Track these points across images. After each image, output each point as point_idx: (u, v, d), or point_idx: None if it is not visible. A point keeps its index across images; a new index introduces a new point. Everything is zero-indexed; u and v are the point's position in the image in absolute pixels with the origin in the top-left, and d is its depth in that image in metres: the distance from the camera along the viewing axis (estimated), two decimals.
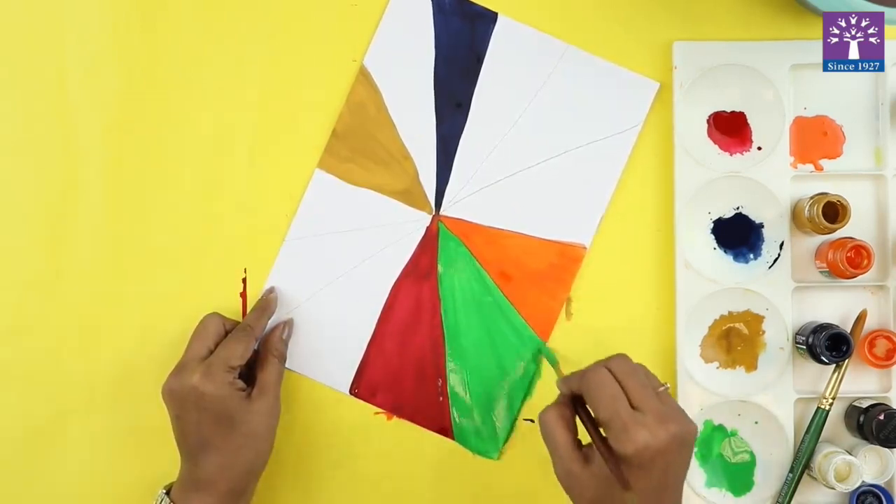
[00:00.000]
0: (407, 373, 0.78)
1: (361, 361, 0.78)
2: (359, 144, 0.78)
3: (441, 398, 0.78)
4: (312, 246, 0.78)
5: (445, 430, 0.78)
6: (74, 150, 0.78)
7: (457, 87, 0.78)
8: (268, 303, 0.77)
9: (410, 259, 0.78)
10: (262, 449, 0.72)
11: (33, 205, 0.78)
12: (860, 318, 0.77)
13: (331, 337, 0.78)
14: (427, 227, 0.78)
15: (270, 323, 0.77)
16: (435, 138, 0.78)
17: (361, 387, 0.78)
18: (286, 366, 0.77)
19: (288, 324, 0.77)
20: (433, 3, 0.77)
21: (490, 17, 0.78)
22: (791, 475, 0.77)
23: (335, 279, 0.78)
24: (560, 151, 0.78)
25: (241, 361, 0.73)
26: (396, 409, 0.78)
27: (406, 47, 0.78)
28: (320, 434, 0.78)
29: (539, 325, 0.78)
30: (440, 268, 0.78)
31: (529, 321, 0.78)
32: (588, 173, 0.78)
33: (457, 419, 0.78)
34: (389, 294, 0.78)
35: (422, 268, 0.78)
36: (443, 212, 0.78)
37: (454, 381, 0.78)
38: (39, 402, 0.78)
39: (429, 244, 0.78)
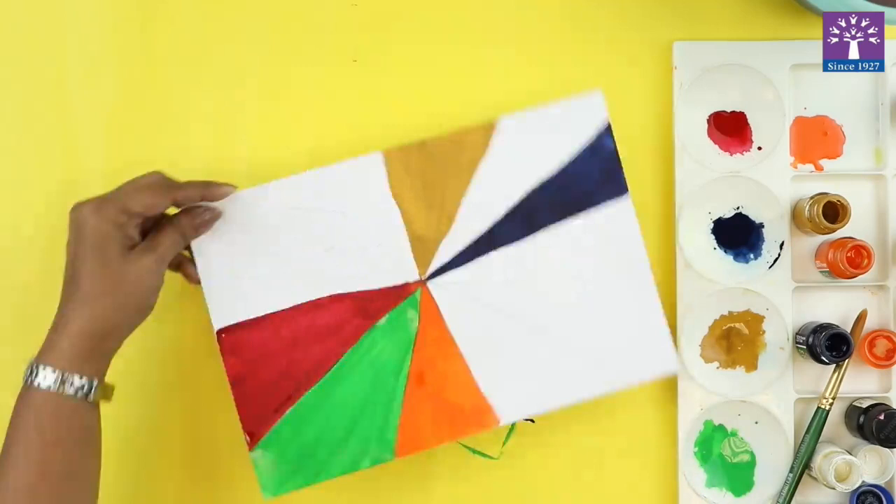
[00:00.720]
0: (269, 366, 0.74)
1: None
2: (431, 173, 0.74)
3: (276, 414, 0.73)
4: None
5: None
6: (74, 150, 0.78)
7: (542, 211, 0.74)
8: (209, 185, 0.71)
9: (373, 291, 0.74)
10: (127, 305, 0.67)
11: (33, 205, 0.78)
12: (860, 318, 0.77)
13: None
14: (407, 282, 0.74)
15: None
16: (485, 228, 0.74)
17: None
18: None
19: (212, 213, 0.72)
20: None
21: None
22: (791, 475, 0.77)
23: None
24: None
25: (140, 210, 0.67)
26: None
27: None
28: None
29: (406, 441, 0.73)
30: (382, 320, 0.74)
31: (401, 431, 0.73)
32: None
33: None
34: (328, 297, 0.74)
35: (372, 307, 0.74)
36: (430, 282, 0.74)
37: (299, 412, 0.73)
38: None
39: (396, 294, 0.74)
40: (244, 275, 0.73)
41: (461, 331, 0.74)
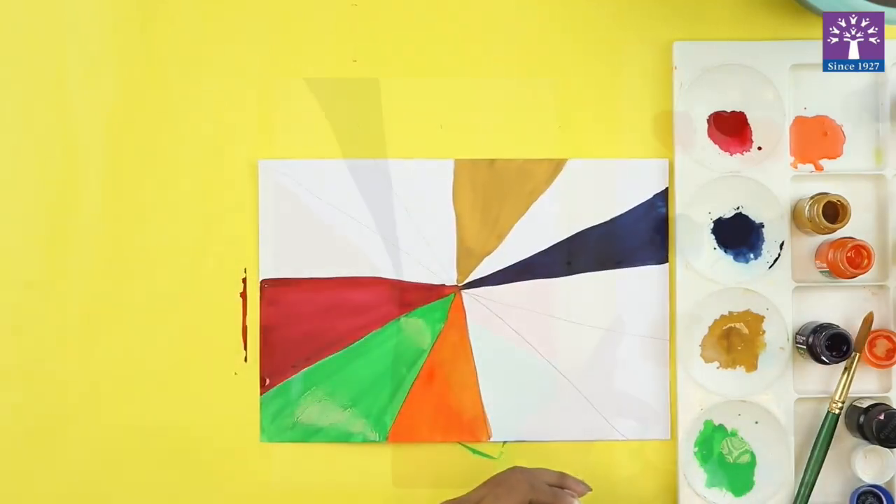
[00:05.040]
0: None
1: None
2: (493, 192, 0.77)
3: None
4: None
5: None
6: (74, 150, 0.78)
7: (584, 254, 0.78)
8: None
9: (411, 283, 0.77)
10: None
11: (33, 205, 0.78)
12: (867, 321, 0.76)
13: None
14: (444, 284, 0.77)
15: None
16: (527, 256, 0.78)
17: None
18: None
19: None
20: None
21: None
22: (803, 487, 0.76)
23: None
24: None
25: None
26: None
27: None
28: None
29: (400, 430, 0.77)
30: (413, 313, 0.77)
31: (399, 419, 0.77)
32: None
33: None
34: (369, 278, 0.77)
35: (406, 298, 0.78)
36: (465, 291, 0.77)
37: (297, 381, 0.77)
38: (39, 402, 0.78)
39: (431, 292, 0.77)
40: (301, 235, 0.77)
41: (480, 343, 0.77)
